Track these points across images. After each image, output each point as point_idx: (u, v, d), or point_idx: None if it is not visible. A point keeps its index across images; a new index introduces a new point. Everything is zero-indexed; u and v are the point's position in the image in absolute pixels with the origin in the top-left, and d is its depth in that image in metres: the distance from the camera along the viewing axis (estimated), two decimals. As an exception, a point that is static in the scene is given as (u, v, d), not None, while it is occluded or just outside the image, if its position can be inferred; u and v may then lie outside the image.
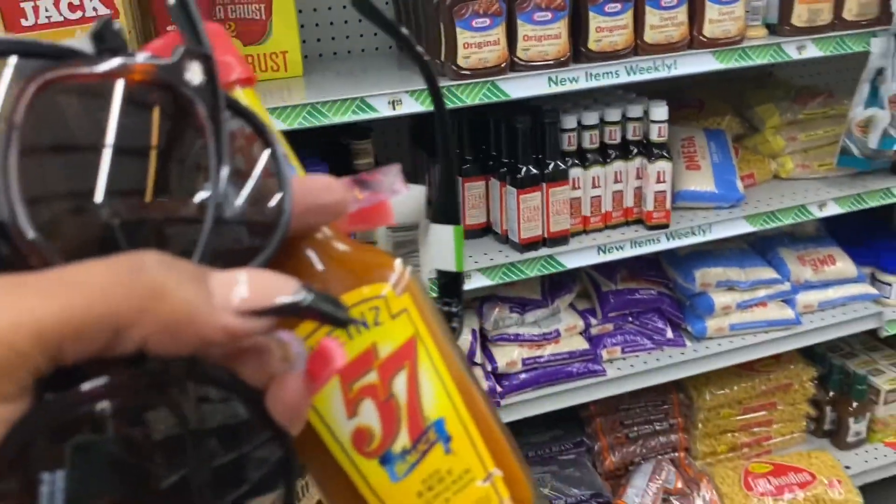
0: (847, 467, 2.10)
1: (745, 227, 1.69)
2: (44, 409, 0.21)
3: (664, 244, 1.64)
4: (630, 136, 1.60)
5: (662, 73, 1.49)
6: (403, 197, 0.33)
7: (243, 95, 0.33)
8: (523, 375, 1.68)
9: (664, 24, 1.46)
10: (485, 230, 1.66)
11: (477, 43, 1.34)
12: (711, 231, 1.67)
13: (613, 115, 1.57)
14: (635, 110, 1.58)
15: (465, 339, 1.65)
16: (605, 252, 1.60)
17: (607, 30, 1.43)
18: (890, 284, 1.99)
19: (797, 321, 1.84)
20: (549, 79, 1.41)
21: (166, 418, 0.23)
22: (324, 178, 0.29)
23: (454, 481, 0.31)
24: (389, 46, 1.72)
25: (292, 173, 0.28)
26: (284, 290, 0.24)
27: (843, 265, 1.93)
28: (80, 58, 0.25)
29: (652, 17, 1.45)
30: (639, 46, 1.47)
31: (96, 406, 0.22)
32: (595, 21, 1.42)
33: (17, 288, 0.21)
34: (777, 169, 1.87)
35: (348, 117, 1.30)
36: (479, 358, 1.67)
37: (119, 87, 0.24)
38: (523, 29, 1.38)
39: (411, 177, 1.90)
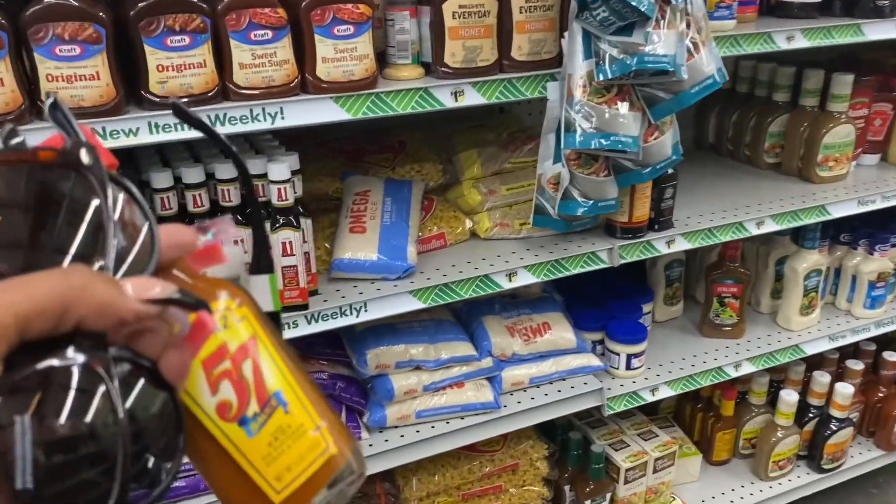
0: (581, 556, 1.87)
1: (412, 304, 1.41)
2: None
3: (304, 328, 1.34)
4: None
5: (266, 125, 1.18)
6: (228, 255, 0.47)
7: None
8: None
9: (259, 62, 1.15)
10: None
11: (-33, 85, 1.00)
12: (368, 310, 1.38)
13: (226, 171, 1.25)
14: (257, 166, 1.27)
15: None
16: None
17: (174, 69, 1.10)
18: (618, 354, 1.76)
19: (496, 405, 1.58)
20: (94, 130, 1.08)
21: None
22: (176, 225, 0.44)
23: (293, 433, 0.45)
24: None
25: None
26: (168, 288, 0.38)
27: (559, 334, 1.68)
28: None
29: (241, 53, 1.14)
30: (228, 90, 1.16)
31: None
32: (154, 58, 1.09)
33: None
34: (474, 227, 1.61)
35: None
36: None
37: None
38: (44, 67, 1.04)
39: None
